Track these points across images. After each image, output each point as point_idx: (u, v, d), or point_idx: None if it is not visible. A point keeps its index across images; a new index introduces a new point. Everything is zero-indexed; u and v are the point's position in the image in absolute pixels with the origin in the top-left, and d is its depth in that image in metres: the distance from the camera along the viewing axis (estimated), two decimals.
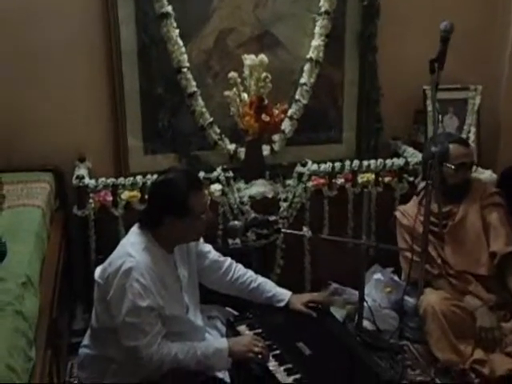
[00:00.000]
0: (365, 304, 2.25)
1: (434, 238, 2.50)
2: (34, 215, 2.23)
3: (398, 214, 2.64)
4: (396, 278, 2.77)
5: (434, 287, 2.47)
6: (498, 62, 3.11)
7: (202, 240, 2.13)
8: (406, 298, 2.58)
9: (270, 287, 2.20)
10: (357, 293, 2.30)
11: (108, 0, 2.60)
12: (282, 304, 2.17)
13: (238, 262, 2.23)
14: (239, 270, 2.20)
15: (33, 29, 2.60)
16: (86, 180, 2.55)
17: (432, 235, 2.46)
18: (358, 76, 3.01)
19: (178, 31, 2.69)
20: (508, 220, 2.50)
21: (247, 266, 2.26)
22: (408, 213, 2.57)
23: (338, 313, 2.61)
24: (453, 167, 2.40)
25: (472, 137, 3.00)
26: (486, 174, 2.83)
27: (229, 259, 2.21)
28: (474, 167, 2.71)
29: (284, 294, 2.19)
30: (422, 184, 2.54)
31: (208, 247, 2.19)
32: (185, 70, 2.74)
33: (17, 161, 2.64)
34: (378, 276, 2.79)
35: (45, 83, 2.68)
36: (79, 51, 2.68)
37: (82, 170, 2.63)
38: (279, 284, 2.27)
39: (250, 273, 2.21)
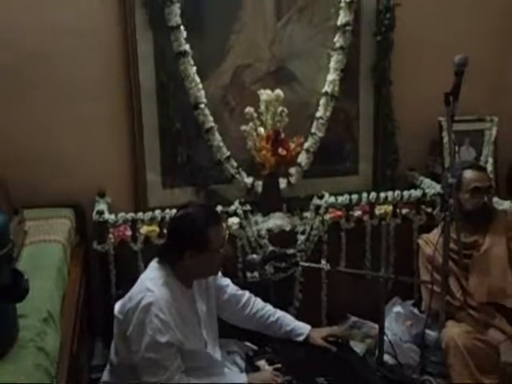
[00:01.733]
0: (385, 338, 2.22)
1: (457, 268, 2.48)
2: (55, 251, 2.25)
3: (421, 242, 2.63)
4: (416, 310, 2.74)
5: (456, 320, 2.44)
6: None
7: (220, 274, 2.15)
8: (427, 331, 2.54)
9: (289, 321, 2.20)
10: (376, 326, 2.28)
11: (128, 40, 2.67)
12: (301, 338, 2.16)
13: (256, 295, 2.24)
14: (258, 303, 2.20)
15: (56, 68, 2.67)
16: (106, 215, 2.58)
17: (455, 265, 2.45)
18: (374, 109, 3.04)
19: (195, 68, 2.74)
20: None
21: (266, 299, 2.26)
22: (431, 241, 2.55)
23: (358, 347, 2.59)
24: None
25: (490, 167, 3.00)
26: (505, 205, 2.81)
27: (247, 293, 2.21)
28: (495, 199, 2.72)
29: (303, 328, 2.18)
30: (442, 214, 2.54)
31: (226, 281, 2.20)
32: (202, 105, 2.79)
33: (38, 197, 2.67)
34: (397, 309, 2.76)
35: (66, 120, 2.74)
36: (100, 89, 2.74)
37: (101, 205, 2.66)
38: (298, 317, 2.27)
39: (269, 307, 2.21)
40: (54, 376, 1.61)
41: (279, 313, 2.21)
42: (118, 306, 1.98)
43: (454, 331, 2.35)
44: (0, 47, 2.59)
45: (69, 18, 2.63)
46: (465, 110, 2.78)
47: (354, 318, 2.81)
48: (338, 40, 2.88)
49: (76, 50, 2.67)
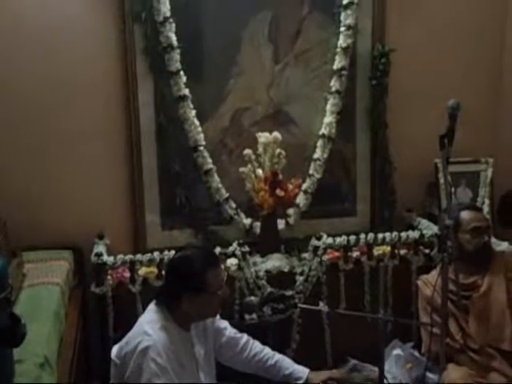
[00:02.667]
0: (385, 381, 2.19)
1: (457, 310, 2.47)
2: (53, 293, 2.26)
3: (420, 283, 2.62)
4: (416, 353, 2.71)
5: (456, 363, 2.41)
6: (508, 135, 3.16)
7: (218, 316, 2.14)
8: (428, 374, 2.51)
9: (288, 364, 2.17)
10: (376, 369, 2.25)
11: (129, 84, 2.74)
12: (300, 381, 2.13)
13: (254, 337, 2.22)
14: (256, 346, 2.18)
15: (58, 114, 2.73)
16: (105, 257, 2.59)
17: (454, 306, 2.44)
18: (370, 151, 3.08)
19: (194, 112, 2.80)
20: None
21: (264, 341, 2.25)
22: (430, 283, 2.55)
23: None
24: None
25: (486, 208, 3.02)
26: (502, 246, 2.82)
27: (245, 336, 2.20)
28: (493, 239, 2.74)
29: (302, 372, 2.16)
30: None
31: (224, 324, 2.19)
32: (201, 148, 2.83)
33: (37, 238, 2.69)
34: (397, 351, 2.73)
35: (66, 163, 2.78)
36: (100, 133, 2.79)
37: (100, 247, 2.67)
38: (296, 360, 2.24)
39: (267, 350, 2.19)
40: None
41: (278, 356, 2.19)
42: (115, 350, 1.96)
43: (454, 375, 2.33)
44: (2, 95, 2.65)
45: (72, 65, 2.70)
46: (461, 152, 2.84)
47: (353, 361, 2.78)
48: (334, 84, 2.94)
49: (78, 95, 2.74)
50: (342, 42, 2.90)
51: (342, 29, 2.90)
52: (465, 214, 2.50)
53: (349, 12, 2.87)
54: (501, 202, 3.04)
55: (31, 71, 2.67)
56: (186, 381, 1.88)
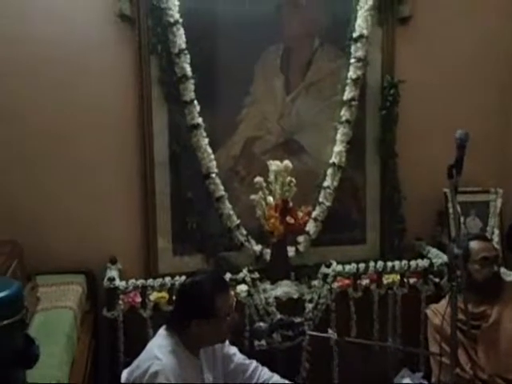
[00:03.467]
0: None
1: (466, 340, 2.47)
2: (66, 317, 2.29)
3: (429, 312, 2.63)
4: (426, 382, 2.70)
5: None
6: None
7: (227, 342, 2.16)
8: None
9: None
10: None
11: (144, 113, 2.80)
12: None
13: (264, 364, 2.23)
14: (264, 374, 2.19)
15: (76, 141, 2.79)
16: (117, 282, 2.62)
17: (463, 336, 2.44)
18: (380, 179, 3.12)
19: (207, 140, 2.85)
20: None
21: (273, 368, 2.25)
22: (439, 312, 2.55)
23: None
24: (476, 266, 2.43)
25: (496, 238, 3.03)
26: None
27: (254, 362, 2.21)
28: (502, 269, 2.75)
29: None
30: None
31: (234, 350, 2.20)
32: (213, 175, 2.88)
33: (51, 263, 2.73)
34: (406, 381, 2.72)
35: (79, 189, 2.83)
36: (114, 159, 2.85)
37: (113, 272, 2.71)
38: None
39: (276, 377, 2.20)
40: None
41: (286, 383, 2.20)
42: (125, 374, 1.99)
43: None
44: (18, 123, 2.72)
45: (88, 94, 2.77)
46: (470, 182, 2.89)
47: None
48: (345, 114, 2.99)
49: (94, 124, 2.80)
50: (352, 73, 2.97)
51: (352, 61, 2.96)
52: (474, 244, 2.51)
53: (359, 45, 2.94)
54: (509, 229, 3.05)
55: (48, 100, 2.74)
56: None
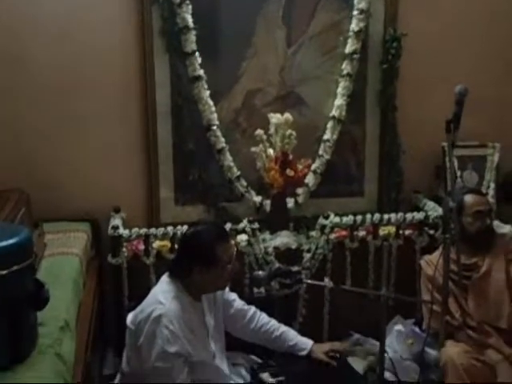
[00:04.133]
0: (386, 355, 2.30)
1: (457, 289, 2.56)
2: (72, 263, 2.38)
3: (422, 263, 2.71)
4: (417, 329, 2.81)
5: (455, 339, 2.51)
6: None
7: (227, 289, 2.25)
8: (428, 349, 2.60)
9: (293, 336, 2.29)
10: (378, 343, 2.35)
11: (146, 65, 2.82)
12: (303, 353, 2.25)
13: (262, 310, 2.33)
14: (263, 318, 2.30)
15: (81, 93, 2.83)
16: (121, 230, 2.70)
17: (455, 286, 2.53)
18: (379, 133, 3.15)
19: (208, 92, 2.87)
20: None
21: (271, 314, 2.36)
22: (433, 262, 2.63)
23: (360, 363, 2.66)
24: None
25: (491, 192, 3.09)
26: (505, 229, 2.89)
27: (253, 308, 2.31)
28: (496, 222, 2.83)
29: (306, 343, 2.27)
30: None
31: (233, 296, 2.30)
32: (214, 127, 2.92)
33: (58, 211, 2.81)
34: (399, 327, 2.83)
35: (84, 141, 2.88)
36: (118, 111, 2.89)
37: (116, 221, 2.78)
38: (301, 333, 2.36)
39: (273, 322, 2.31)
40: (69, 383, 1.72)
41: (283, 328, 2.30)
42: (130, 317, 2.08)
43: (452, 351, 2.42)
44: (25, 78, 2.76)
45: (90, 47, 2.79)
46: (469, 136, 2.91)
47: (356, 335, 2.88)
48: (346, 67, 3.00)
49: (97, 76, 2.83)
50: (354, 25, 2.96)
51: (355, 12, 2.95)
52: (468, 198, 2.57)
53: None
54: (504, 181, 3.09)
55: (53, 53, 2.76)
56: (197, 348, 2.00)
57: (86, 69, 2.81)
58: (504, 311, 2.50)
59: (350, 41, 2.98)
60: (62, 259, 2.38)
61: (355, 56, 2.98)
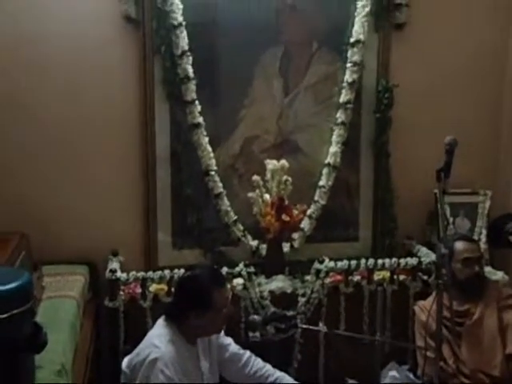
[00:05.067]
0: None
1: (451, 336, 2.58)
2: (70, 306, 2.40)
3: (416, 309, 2.74)
4: (412, 376, 2.81)
5: None
6: (506, 170, 3.29)
7: (222, 333, 2.27)
8: None
9: (288, 381, 2.30)
10: None
11: (147, 112, 2.90)
12: None
13: (257, 355, 2.35)
14: (258, 363, 2.31)
15: (82, 136, 2.90)
16: (118, 273, 2.73)
17: (448, 332, 2.55)
18: (373, 179, 3.21)
19: (207, 139, 2.95)
20: None
21: (266, 359, 2.37)
22: (426, 308, 2.65)
23: None
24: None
25: (483, 239, 3.14)
26: (498, 276, 2.93)
27: (248, 352, 2.33)
28: (488, 268, 2.88)
29: None
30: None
31: (228, 340, 2.32)
32: (212, 172, 2.98)
33: (56, 254, 2.84)
34: (393, 373, 2.82)
35: (85, 183, 2.93)
36: (118, 155, 2.95)
37: (114, 264, 2.82)
38: (297, 378, 2.38)
39: (268, 366, 2.32)
40: None
41: (278, 373, 2.31)
42: (125, 361, 2.10)
43: None
44: (29, 120, 2.84)
45: (94, 93, 2.87)
46: (460, 184, 2.99)
47: (351, 381, 2.87)
48: (340, 116, 3.08)
49: (98, 121, 2.90)
50: (348, 76, 3.06)
51: (349, 65, 3.05)
52: (458, 244, 2.63)
53: (355, 49, 3.02)
54: (491, 226, 3.15)
55: (55, 97, 2.85)
56: None
57: (89, 113, 2.89)
58: (497, 359, 2.51)
59: (344, 91, 3.08)
60: (60, 302, 2.40)
61: (349, 105, 3.07)
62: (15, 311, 1.54)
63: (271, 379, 2.28)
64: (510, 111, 3.28)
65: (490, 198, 3.21)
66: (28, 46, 2.78)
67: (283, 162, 2.94)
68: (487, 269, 2.92)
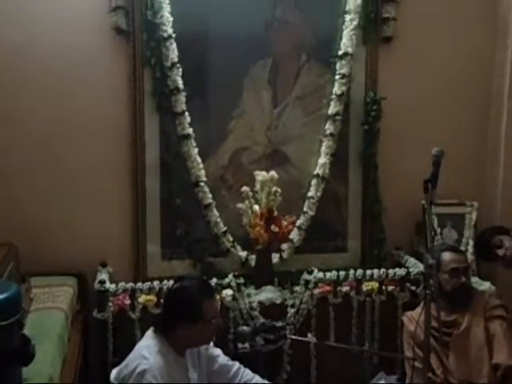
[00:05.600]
0: None
1: (438, 346, 2.59)
2: (58, 318, 2.39)
3: (404, 319, 2.75)
4: None
5: None
6: (492, 181, 3.32)
7: (212, 344, 2.27)
8: None
9: None
10: None
11: (137, 123, 2.92)
12: None
13: (246, 366, 2.34)
14: (247, 374, 2.30)
15: (70, 147, 2.91)
16: (107, 284, 2.73)
17: (436, 342, 2.56)
18: (362, 190, 3.24)
19: (197, 150, 2.96)
20: (511, 332, 2.59)
21: (255, 370, 2.37)
22: (414, 319, 2.66)
23: None
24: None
25: (470, 249, 3.16)
26: (485, 286, 2.96)
27: (237, 363, 2.32)
28: (475, 279, 2.90)
29: None
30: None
31: (218, 351, 2.31)
32: (202, 183, 2.99)
33: (44, 265, 2.83)
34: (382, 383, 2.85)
35: (74, 194, 2.94)
36: (108, 166, 2.96)
37: (103, 275, 2.81)
38: None
39: (257, 378, 2.31)
40: None
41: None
42: (114, 373, 2.09)
43: None
44: (16, 130, 2.84)
45: (83, 104, 2.89)
46: (448, 195, 3.03)
47: None
48: (329, 127, 3.12)
49: (88, 132, 2.92)
50: (336, 89, 3.09)
51: (337, 77, 3.09)
52: (445, 255, 2.65)
53: (344, 62, 3.07)
54: (478, 239, 3.18)
55: (45, 108, 2.86)
56: None
57: (78, 124, 2.90)
58: (484, 369, 2.52)
59: (332, 103, 3.11)
60: (48, 314, 2.40)
61: (338, 117, 3.10)
62: (3, 323, 1.54)
63: None
64: (496, 123, 3.32)
65: (476, 209, 3.24)
66: (17, 56, 2.80)
67: (272, 173, 2.95)
68: (474, 279, 2.95)
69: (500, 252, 2.74)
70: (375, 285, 2.99)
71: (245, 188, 2.94)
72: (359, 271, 2.98)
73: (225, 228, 3.06)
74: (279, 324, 2.77)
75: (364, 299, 2.97)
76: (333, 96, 3.11)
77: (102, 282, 2.72)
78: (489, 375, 2.52)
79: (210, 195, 3.03)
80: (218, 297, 2.45)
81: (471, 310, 2.64)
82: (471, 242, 3.19)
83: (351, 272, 2.98)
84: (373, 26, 3.11)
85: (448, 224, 3.24)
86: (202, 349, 2.20)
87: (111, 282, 2.78)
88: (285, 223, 2.97)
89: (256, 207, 2.96)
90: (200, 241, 3.07)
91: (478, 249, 3.02)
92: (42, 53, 2.82)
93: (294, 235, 3.13)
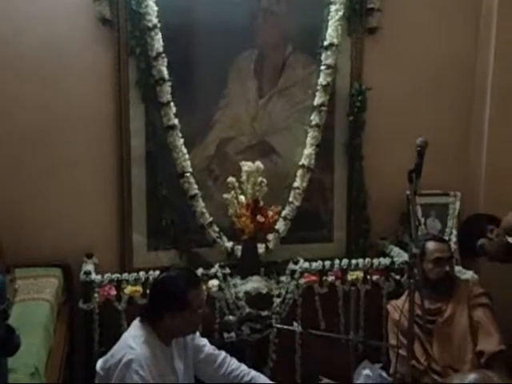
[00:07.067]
0: None
1: (422, 333, 2.63)
2: (43, 309, 2.38)
3: (389, 307, 2.79)
4: (384, 374, 2.85)
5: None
6: (475, 172, 3.36)
7: (198, 334, 2.28)
8: None
9: (263, 381, 2.32)
10: None
11: (122, 114, 2.90)
12: None
13: (232, 355, 2.36)
14: (233, 363, 2.32)
15: (55, 138, 2.89)
16: (93, 275, 2.72)
17: (420, 330, 2.60)
18: (347, 181, 3.26)
19: (182, 140, 2.96)
20: (495, 320, 2.63)
21: (241, 359, 2.38)
22: (399, 307, 2.69)
23: None
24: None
25: (454, 239, 3.21)
26: (467, 275, 3.00)
27: (223, 353, 2.34)
28: (458, 268, 2.94)
29: None
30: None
31: (204, 341, 2.33)
32: (188, 174, 2.99)
33: (29, 256, 2.81)
34: (366, 372, 2.86)
35: (58, 184, 2.92)
36: (93, 156, 2.94)
37: (89, 266, 2.80)
38: (272, 378, 2.40)
39: (243, 367, 2.33)
40: None
41: (253, 373, 2.32)
42: (100, 363, 2.10)
43: None
44: (4, 120, 2.82)
45: (68, 95, 2.87)
46: (432, 185, 3.07)
47: (326, 380, 2.91)
48: (314, 118, 3.13)
49: (72, 122, 2.89)
50: (322, 79, 3.10)
51: (323, 68, 3.10)
52: (429, 245, 2.68)
53: (329, 53, 3.07)
54: (461, 234, 3.22)
55: (29, 98, 2.83)
56: None
57: (62, 114, 2.88)
58: (467, 356, 2.57)
59: (318, 94, 3.12)
60: (33, 305, 2.39)
61: (323, 108, 3.11)
62: None
63: (246, 379, 2.29)
64: (479, 114, 3.35)
65: (459, 199, 3.28)
66: (1, 46, 2.77)
67: (258, 163, 2.96)
68: (457, 268, 2.98)
69: (490, 235, 2.76)
70: (360, 274, 3.02)
71: (231, 178, 2.94)
72: (344, 261, 3.01)
73: (211, 218, 3.06)
74: (265, 313, 2.80)
75: (349, 289, 3.00)
76: (318, 87, 3.12)
77: (88, 273, 2.72)
78: (472, 362, 2.56)
79: (195, 186, 3.02)
80: (203, 287, 2.46)
81: (455, 299, 2.68)
82: (455, 232, 3.23)
83: (336, 262, 3.00)
84: (358, 17, 3.12)
85: (432, 214, 3.27)
86: (188, 339, 2.21)
87: (97, 273, 2.78)
88: (270, 213, 2.98)
89: (242, 198, 2.96)
90: (186, 231, 3.07)
91: (462, 247, 3.05)
92: (27, 42, 2.79)
93: (280, 225, 3.14)
